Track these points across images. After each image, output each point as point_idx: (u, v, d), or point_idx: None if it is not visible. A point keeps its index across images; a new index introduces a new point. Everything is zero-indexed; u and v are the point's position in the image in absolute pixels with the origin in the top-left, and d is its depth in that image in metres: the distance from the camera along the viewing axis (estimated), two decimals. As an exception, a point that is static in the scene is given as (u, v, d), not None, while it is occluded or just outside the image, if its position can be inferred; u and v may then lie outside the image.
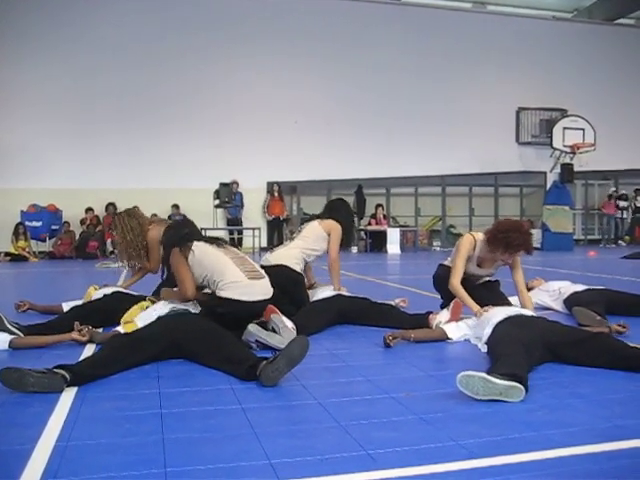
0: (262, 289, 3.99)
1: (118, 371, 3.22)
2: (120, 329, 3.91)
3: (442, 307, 4.72)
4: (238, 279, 3.85)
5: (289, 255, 4.98)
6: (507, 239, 4.27)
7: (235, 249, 4.21)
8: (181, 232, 4.15)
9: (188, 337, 3.48)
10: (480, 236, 4.54)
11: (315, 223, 5.24)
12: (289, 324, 3.98)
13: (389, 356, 3.77)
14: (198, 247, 3.97)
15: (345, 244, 5.34)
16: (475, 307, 4.19)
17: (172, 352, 3.49)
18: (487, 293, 4.59)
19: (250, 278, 3.91)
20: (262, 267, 4.92)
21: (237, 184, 15.01)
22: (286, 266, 4.87)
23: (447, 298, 4.62)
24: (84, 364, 3.14)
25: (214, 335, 3.47)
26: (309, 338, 3.27)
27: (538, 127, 17.53)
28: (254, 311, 3.91)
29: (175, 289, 4.15)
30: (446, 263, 4.89)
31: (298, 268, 4.98)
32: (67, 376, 2.90)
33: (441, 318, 4.31)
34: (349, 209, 5.56)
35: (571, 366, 3.35)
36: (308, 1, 16.05)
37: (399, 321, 4.52)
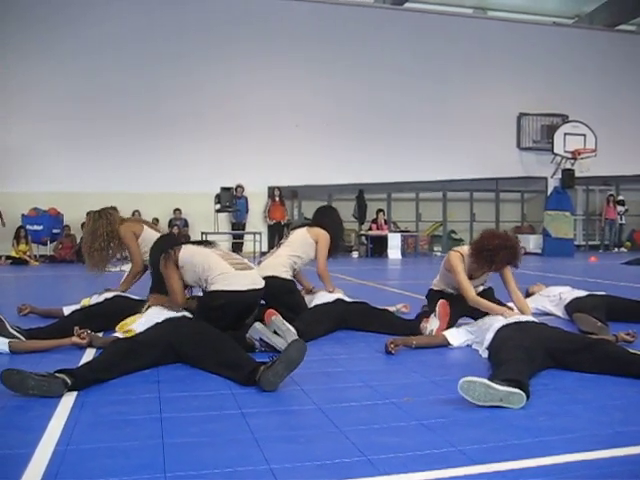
0: (251, 279, 4.01)
1: (118, 375, 3.21)
2: (119, 335, 3.92)
3: (429, 303, 4.71)
4: (225, 270, 3.90)
5: (276, 264, 4.93)
6: (492, 256, 4.20)
7: (222, 248, 4.29)
8: (164, 242, 4.24)
9: (187, 341, 3.48)
10: (466, 250, 4.47)
11: (303, 230, 5.20)
12: (292, 327, 3.98)
13: (389, 362, 3.76)
14: (185, 248, 4.06)
15: (333, 253, 5.23)
16: (501, 310, 4.11)
17: (172, 356, 3.49)
18: None
19: (237, 269, 3.95)
20: None
21: (242, 188, 15.00)
22: (276, 276, 4.82)
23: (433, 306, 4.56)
24: (84, 368, 3.14)
25: (213, 339, 3.46)
26: (309, 343, 3.26)
27: (539, 132, 17.55)
28: (245, 301, 3.94)
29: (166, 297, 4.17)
30: (434, 287, 4.82)
31: (288, 275, 4.94)
32: (68, 380, 2.89)
33: (432, 326, 4.29)
34: (338, 217, 5.43)
35: (572, 372, 3.34)
36: (310, 5, 16.08)
37: (391, 327, 4.51)
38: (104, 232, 4.97)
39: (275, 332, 3.89)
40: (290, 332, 3.89)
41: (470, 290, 4.34)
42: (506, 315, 3.96)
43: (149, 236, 4.96)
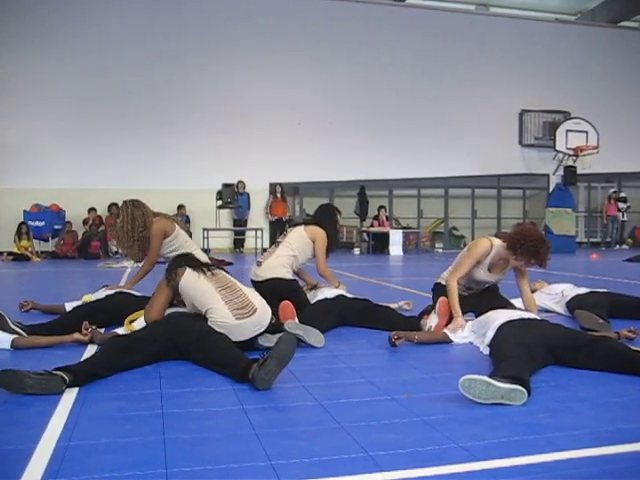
0: (251, 327, 3.71)
1: (118, 371, 3.22)
2: (120, 330, 3.93)
3: (434, 297, 4.69)
4: (225, 319, 3.61)
5: (277, 265, 4.94)
6: (536, 249, 4.17)
7: (225, 276, 3.91)
8: (176, 263, 3.97)
9: (183, 338, 3.47)
10: (497, 241, 4.40)
11: (300, 229, 5.18)
12: (308, 327, 4.04)
13: (391, 358, 3.76)
14: (186, 279, 3.78)
15: (330, 250, 5.22)
16: (457, 313, 4.17)
17: (172, 352, 3.49)
18: (489, 297, 4.54)
19: (238, 318, 3.63)
20: (253, 282, 4.92)
21: (243, 184, 14.98)
22: (278, 278, 4.86)
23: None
24: (84, 365, 3.13)
25: (207, 337, 3.44)
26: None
27: (541, 129, 17.53)
28: (241, 347, 3.68)
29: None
30: (442, 282, 4.73)
31: (289, 275, 4.97)
32: (66, 377, 2.89)
33: (431, 323, 4.29)
34: (334, 215, 5.40)
35: (573, 369, 3.34)
36: (311, 2, 16.06)
37: (393, 324, 4.51)
38: (141, 223, 4.92)
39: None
40: (309, 330, 3.98)
41: (457, 274, 4.39)
42: (454, 322, 4.15)
43: (180, 236, 5.02)
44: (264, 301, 3.91)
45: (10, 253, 12.83)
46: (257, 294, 3.96)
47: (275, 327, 3.87)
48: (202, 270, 3.85)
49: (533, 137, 17.53)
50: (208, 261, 5.15)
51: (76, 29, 14.47)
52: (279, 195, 15.26)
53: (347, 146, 15.78)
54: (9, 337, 3.84)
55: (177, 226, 5.11)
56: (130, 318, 4.09)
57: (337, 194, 16.29)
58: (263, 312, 3.79)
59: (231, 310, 3.64)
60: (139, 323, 3.96)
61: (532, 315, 3.93)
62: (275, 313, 4.17)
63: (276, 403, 2.84)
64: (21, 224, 13.14)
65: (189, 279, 3.78)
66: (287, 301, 4.30)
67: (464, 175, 16.82)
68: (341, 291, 5.00)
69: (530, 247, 4.17)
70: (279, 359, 2.96)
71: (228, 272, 4.04)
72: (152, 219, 4.98)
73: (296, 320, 4.18)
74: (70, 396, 2.83)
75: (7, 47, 14.16)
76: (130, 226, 4.90)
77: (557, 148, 15.72)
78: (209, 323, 3.64)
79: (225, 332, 3.58)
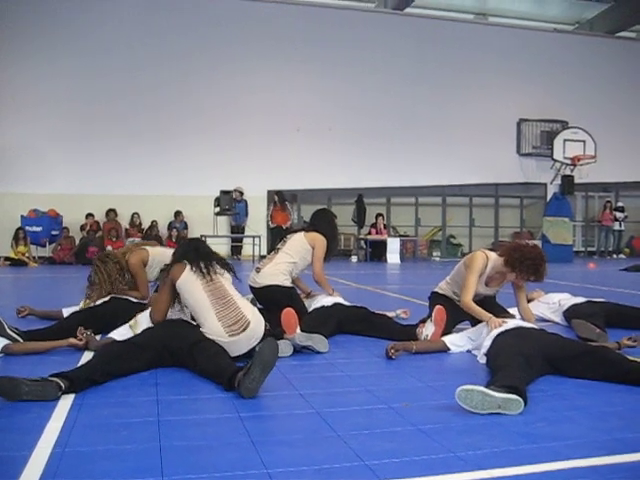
0: (247, 340, 3.63)
1: (114, 377, 3.21)
2: (115, 335, 3.93)
3: (430, 306, 4.66)
4: (218, 337, 3.53)
5: (276, 272, 4.92)
6: (537, 267, 4.18)
7: (222, 285, 3.76)
8: (184, 251, 3.93)
9: (176, 345, 3.46)
10: (492, 255, 4.40)
11: (300, 235, 5.16)
12: (314, 334, 4.07)
13: (388, 366, 3.76)
14: (182, 281, 3.71)
15: (328, 256, 5.20)
16: (487, 316, 4.04)
17: (166, 359, 3.48)
18: (485, 306, 4.53)
19: (231, 335, 3.56)
20: (251, 288, 4.92)
21: (240, 192, 14.94)
22: (276, 285, 4.86)
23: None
24: (80, 371, 3.12)
25: (198, 345, 3.43)
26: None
27: (539, 138, 17.58)
28: (238, 356, 3.66)
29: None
30: (439, 291, 4.72)
31: (288, 283, 4.96)
32: (62, 384, 2.88)
33: (427, 332, 4.28)
34: (332, 220, 5.40)
35: (570, 379, 3.34)
36: (311, 9, 16.13)
37: (390, 332, 4.51)
38: (118, 272, 4.88)
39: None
40: (316, 338, 4.03)
41: (469, 293, 4.31)
42: (490, 324, 3.90)
43: (158, 257, 4.97)
44: (256, 310, 3.87)
45: (7, 258, 12.81)
46: (249, 304, 3.91)
47: (272, 334, 3.83)
48: (201, 272, 3.74)
49: (531, 146, 17.57)
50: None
51: (75, 34, 14.49)
52: (279, 204, 15.21)
53: (346, 153, 15.81)
54: (4, 343, 3.82)
55: (149, 250, 5.07)
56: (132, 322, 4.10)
57: (335, 201, 16.32)
58: (256, 324, 3.71)
59: (224, 327, 3.57)
60: (143, 317, 3.97)
61: (529, 324, 3.93)
62: (273, 320, 4.16)
63: (273, 411, 2.84)
64: (18, 229, 13.12)
65: (185, 280, 3.71)
66: (290, 309, 4.26)
67: (462, 184, 16.85)
68: (338, 299, 5.00)
69: (530, 265, 4.18)
70: (262, 366, 2.94)
71: (231, 269, 3.97)
72: (124, 258, 4.93)
73: (298, 330, 4.17)
74: (66, 402, 2.82)
75: (6, 51, 14.17)
76: (109, 283, 4.83)
77: (555, 157, 15.78)
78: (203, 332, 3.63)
79: None
